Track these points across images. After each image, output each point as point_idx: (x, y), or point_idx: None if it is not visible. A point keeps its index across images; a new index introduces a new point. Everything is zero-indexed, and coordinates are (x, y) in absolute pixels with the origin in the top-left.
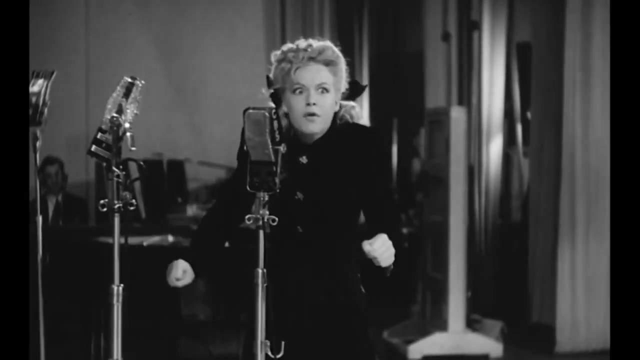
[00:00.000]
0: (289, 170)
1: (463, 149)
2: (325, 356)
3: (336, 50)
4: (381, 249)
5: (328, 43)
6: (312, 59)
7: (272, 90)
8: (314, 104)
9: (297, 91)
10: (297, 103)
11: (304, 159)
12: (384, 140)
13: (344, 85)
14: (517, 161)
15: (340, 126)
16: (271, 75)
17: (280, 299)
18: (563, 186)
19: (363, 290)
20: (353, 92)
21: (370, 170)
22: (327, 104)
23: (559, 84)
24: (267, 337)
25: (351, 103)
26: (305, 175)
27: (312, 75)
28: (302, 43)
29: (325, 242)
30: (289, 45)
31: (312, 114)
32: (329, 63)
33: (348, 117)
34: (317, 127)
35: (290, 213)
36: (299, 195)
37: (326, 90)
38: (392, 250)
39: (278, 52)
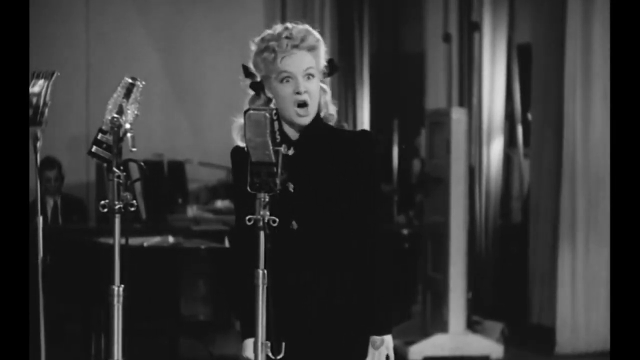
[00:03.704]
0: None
1: (463, 150)
2: (325, 356)
3: (316, 33)
4: None
5: (307, 27)
6: (295, 46)
7: (252, 80)
8: (305, 91)
9: (285, 80)
10: (285, 92)
11: (290, 151)
12: (378, 144)
13: (323, 66)
14: (517, 162)
15: (334, 129)
16: (251, 64)
17: (279, 298)
18: (563, 187)
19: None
20: (330, 71)
21: (360, 177)
22: (314, 89)
23: (560, 85)
24: (267, 338)
25: (324, 87)
26: (293, 167)
27: (299, 62)
28: (279, 28)
29: (323, 238)
30: (267, 32)
31: (303, 104)
32: (312, 48)
33: (328, 111)
34: (308, 118)
35: (283, 206)
36: (290, 186)
37: (312, 76)
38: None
39: (257, 40)
